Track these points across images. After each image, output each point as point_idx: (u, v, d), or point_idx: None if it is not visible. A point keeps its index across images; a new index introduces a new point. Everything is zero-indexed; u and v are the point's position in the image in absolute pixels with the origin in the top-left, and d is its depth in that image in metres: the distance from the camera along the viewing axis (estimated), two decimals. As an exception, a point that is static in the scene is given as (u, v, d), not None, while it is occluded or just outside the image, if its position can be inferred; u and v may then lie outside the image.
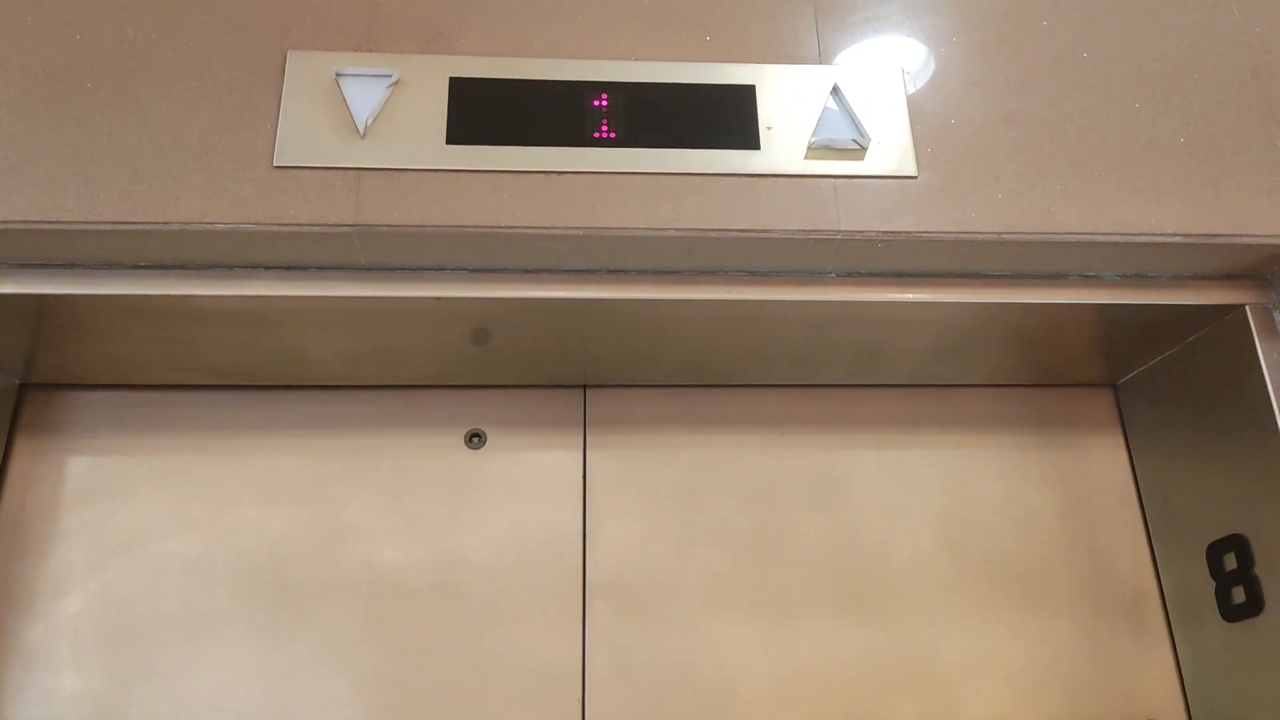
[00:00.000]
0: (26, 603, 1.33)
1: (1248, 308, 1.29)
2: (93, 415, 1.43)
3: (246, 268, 1.19)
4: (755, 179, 1.20)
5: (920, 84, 1.27)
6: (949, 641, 1.41)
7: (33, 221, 1.12)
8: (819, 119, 1.23)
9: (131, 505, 1.39)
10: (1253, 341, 1.27)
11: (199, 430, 1.43)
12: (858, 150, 1.22)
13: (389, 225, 1.14)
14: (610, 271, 1.23)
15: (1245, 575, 1.26)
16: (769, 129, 1.22)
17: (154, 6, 1.22)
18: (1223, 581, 1.31)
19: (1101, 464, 1.52)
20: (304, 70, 1.19)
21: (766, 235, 1.18)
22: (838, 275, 1.25)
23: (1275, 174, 1.26)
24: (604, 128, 1.19)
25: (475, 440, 1.45)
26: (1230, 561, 1.29)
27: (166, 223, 1.12)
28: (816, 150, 1.21)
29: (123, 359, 1.36)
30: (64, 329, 1.29)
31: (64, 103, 1.16)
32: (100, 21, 1.21)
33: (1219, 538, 1.31)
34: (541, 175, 1.17)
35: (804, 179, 1.20)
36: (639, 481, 1.45)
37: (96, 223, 1.12)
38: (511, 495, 1.43)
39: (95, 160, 1.14)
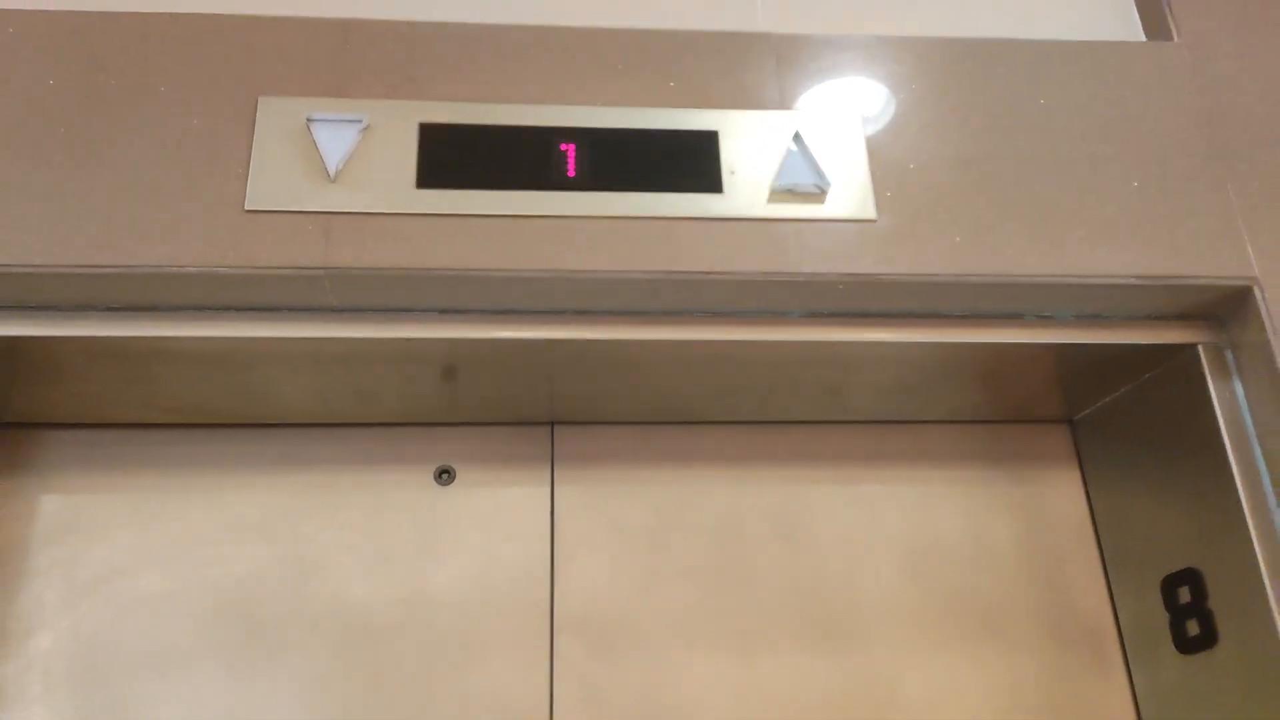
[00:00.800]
0: (-5, 640, 1.34)
1: (1200, 347, 1.32)
2: (64, 453, 1.44)
3: (217, 310, 1.21)
4: (718, 222, 1.22)
5: (879, 129, 1.30)
6: (912, 674, 1.43)
7: (4, 265, 1.13)
8: (780, 164, 1.26)
9: (103, 542, 1.39)
10: (1205, 380, 1.30)
11: (169, 468, 1.44)
12: (818, 194, 1.25)
13: (359, 268, 1.16)
14: (576, 312, 1.25)
15: (1199, 609, 1.29)
16: (732, 173, 1.24)
17: (126, 53, 1.24)
18: (1177, 615, 1.33)
19: (1059, 498, 1.54)
20: (275, 115, 1.21)
21: (730, 277, 1.20)
22: (800, 316, 1.28)
23: (1226, 217, 1.29)
24: (570, 172, 1.22)
25: (444, 477, 1.46)
26: (1184, 595, 1.32)
27: (137, 266, 1.14)
28: (778, 194, 1.24)
29: (94, 398, 1.37)
30: (36, 369, 1.30)
31: (35, 148, 1.18)
32: (72, 67, 1.23)
33: (1173, 571, 1.34)
34: (509, 219, 1.19)
35: (766, 222, 1.23)
36: (606, 517, 1.47)
37: (68, 266, 1.14)
38: (480, 531, 1.44)
39: (66, 204, 1.15)
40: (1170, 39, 1.41)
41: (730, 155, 1.26)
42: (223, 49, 1.25)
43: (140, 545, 1.40)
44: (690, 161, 1.25)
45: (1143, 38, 1.48)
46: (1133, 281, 1.26)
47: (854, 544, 1.49)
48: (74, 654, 1.34)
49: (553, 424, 1.51)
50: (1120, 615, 1.47)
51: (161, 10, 1.27)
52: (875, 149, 1.29)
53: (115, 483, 1.43)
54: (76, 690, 1.32)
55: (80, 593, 1.37)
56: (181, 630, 1.36)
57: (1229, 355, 1.31)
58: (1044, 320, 1.31)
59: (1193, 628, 1.30)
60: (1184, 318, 1.33)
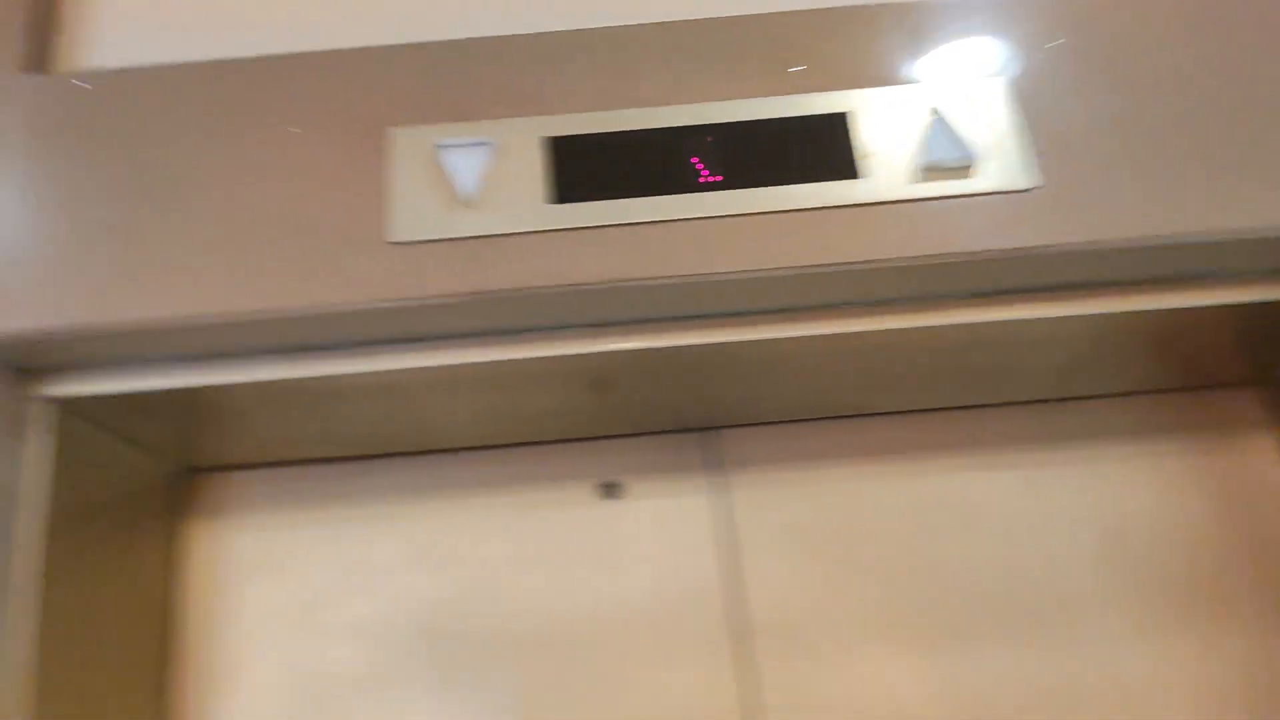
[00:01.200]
0: (214, 678, 1.40)
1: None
2: (253, 493, 1.50)
3: (378, 343, 1.24)
4: (859, 208, 1.18)
5: (1029, 91, 1.23)
6: (1128, 662, 1.36)
7: (178, 318, 1.19)
8: (921, 140, 1.20)
9: (299, 576, 1.44)
10: None
11: (351, 500, 1.48)
12: (963, 168, 1.19)
13: (502, 289, 1.16)
14: (725, 315, 1.23)
15: None
16: (868, 156, 1.20)
17: (259, 97, 1.27)
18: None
19: (1260, 466, 1.43)
20: (405, 146, 1.23)
21: (875, 265, 1.16)
22: (957, 297, 1.23)
23: None
24: (701, 173, 1.20)
25: (609, 490, 1.46)
26: None
27: (295, 309, 1.18)
28: (922, 173, 1.19)
29: (274, 438, 1.43)
30: (219, 415, 1.36)
31: (184, 202, 1.22)
32: (211, 115, 1.26)
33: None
34: (643, 226, 1.18)
35: (910, 203, 1.18)
36: (781, 519, 1.44)
37: (234, 314, 1.18)
38: (652, 541, 1.43)
39: (219, 254, 1.19)
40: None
41: (864, 137, 1.21)
42: (349, 85, 1.28)
43: (335, 576, 1.44)
44: (822, 147, 1.21)
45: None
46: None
47: (1042, 530, 1.42)
48: (288, 685, 1.39)
49: (716, 428, 1.49)
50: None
51: (281, 53, 1.30)
52: (1026, 113, 1.22)
53: (302, 518, 1.48)
54: (296, 719, 1.38)
55: (286, 626, 1.42)
56: (385, 655, 1.40)
57: None
58: (1226, 278, 1.22)
59: None
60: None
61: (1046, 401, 1.49)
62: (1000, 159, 1.20)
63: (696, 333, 1.24)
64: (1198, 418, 1.48)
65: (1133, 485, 1.44)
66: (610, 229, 1.18)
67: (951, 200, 1.18)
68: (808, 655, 1.37)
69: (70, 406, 1.26)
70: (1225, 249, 1.18)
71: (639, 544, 1.43)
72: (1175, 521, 1.42)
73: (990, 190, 1.18)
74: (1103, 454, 1.46)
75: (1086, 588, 1.39)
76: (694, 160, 1.20)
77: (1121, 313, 1.23)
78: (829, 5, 1.31)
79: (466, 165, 1.20)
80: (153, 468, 1.46)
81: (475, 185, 1.20)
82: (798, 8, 1.31)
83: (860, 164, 1.20)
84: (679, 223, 1.18)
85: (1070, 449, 1.47)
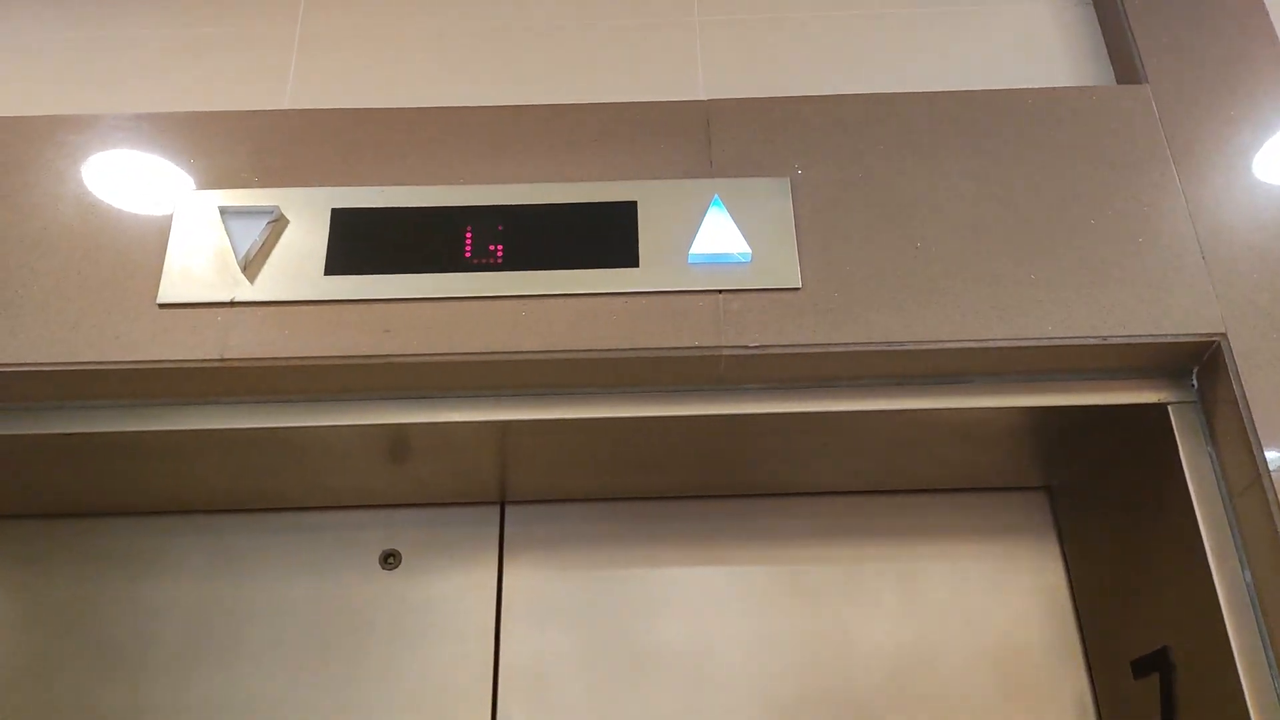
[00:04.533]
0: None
1: (1170, 407, 1.23)
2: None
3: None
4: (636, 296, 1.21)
5: (810, 192, 1.27)
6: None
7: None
8: (700, 232, 1.23)
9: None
10: (1174, 440, 1.21)
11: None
12: (740, 264, 1.22)
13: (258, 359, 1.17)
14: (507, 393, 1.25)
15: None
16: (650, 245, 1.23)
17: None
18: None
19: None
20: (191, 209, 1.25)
21: (644, 353, 1.18)
22: (721, 388, 1.24)
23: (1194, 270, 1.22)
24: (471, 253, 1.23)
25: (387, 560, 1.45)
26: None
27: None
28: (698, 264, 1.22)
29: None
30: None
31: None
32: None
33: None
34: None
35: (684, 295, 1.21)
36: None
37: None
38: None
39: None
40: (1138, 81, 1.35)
41: (647, 226, 1.24)
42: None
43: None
44: (606, 235, 1.23)
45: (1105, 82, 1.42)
46: (1094, 341, 1.19)
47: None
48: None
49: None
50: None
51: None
52: (804, 215, 1.25)
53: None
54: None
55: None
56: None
57: (1199, 414, 1.22)
58: (998, 384, 1.25)
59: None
60: (1151, 375, 1.25)
61: (847, 494, 1.49)
62: (775, 257, 1.22)
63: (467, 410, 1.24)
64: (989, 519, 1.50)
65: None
66: (371, 304, 1.19)
67: (728, 294, 1.21)
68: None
69: None
70: (995, 355, 1.20)
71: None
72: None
73: (763, 286, 1.21)
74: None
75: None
76: (469, 240, 1.22)
77: (875, 411, 1.25)
78: (616, 100, 1.34)
79: (246, 231, 1.21)
80: None
81: (252, 251, 1.20)
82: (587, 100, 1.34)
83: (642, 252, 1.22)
84: (447, 301, 1.20)
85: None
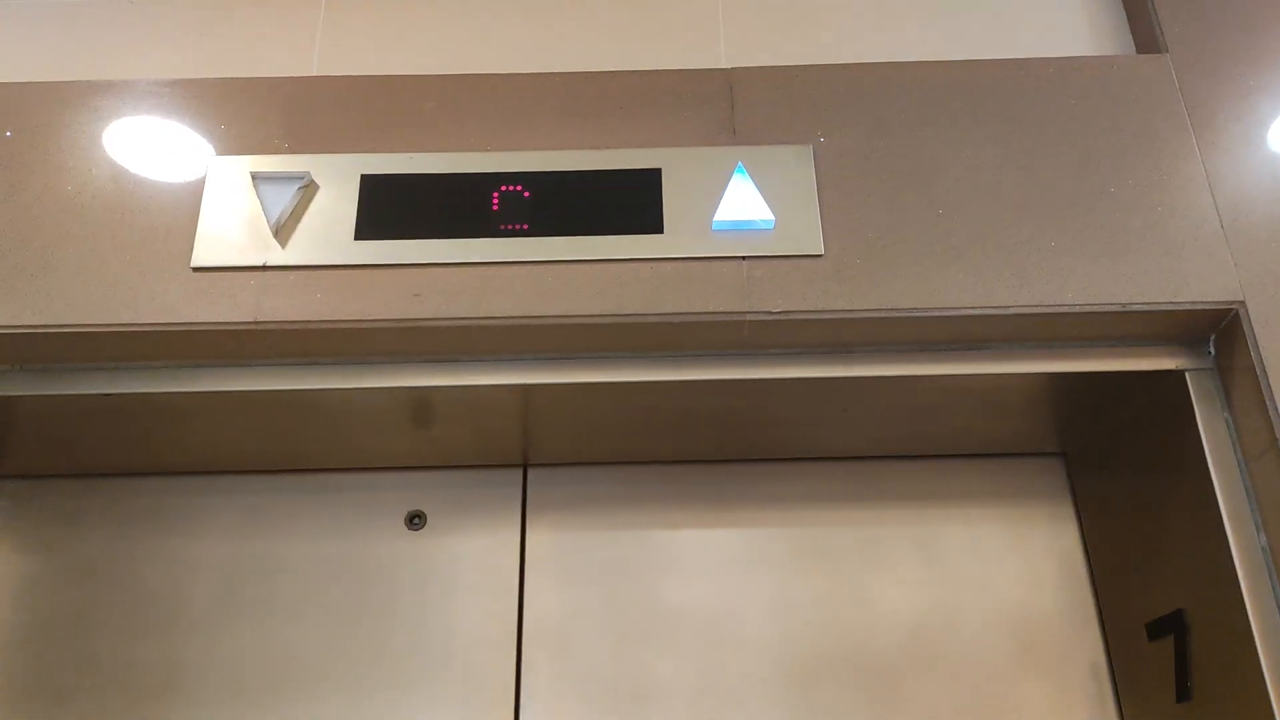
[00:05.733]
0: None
1: (1187, 374, 1.25)
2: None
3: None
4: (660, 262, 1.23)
5: (835, 160, 1.28)
6: None
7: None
8: (725, 199, 1.24)
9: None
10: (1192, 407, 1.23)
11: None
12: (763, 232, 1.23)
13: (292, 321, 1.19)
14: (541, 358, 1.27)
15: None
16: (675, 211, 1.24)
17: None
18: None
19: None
20: (222, 174, 1.27)
21: (671, 318, 1.20)
22: (744, 353, 1.26)
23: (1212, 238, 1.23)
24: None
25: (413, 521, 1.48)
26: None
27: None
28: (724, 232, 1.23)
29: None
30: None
31: None
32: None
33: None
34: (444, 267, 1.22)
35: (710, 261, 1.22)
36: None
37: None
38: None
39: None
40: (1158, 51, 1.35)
41: (672, 193, 1.25)
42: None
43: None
44: (631, 201, 1.25)
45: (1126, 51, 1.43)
46: (1113, 308, 1.20)
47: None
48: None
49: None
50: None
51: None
52: (826, 182, 1.26)
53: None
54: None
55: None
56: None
57: (1216, 381, 1.24)
58: (1017, 350, 1.26)
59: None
60: (1169, 342, 1.27)
61: (867, 459, 1.51)
62: (799, 223, 1.23)
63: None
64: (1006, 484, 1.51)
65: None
66: (412, 269, 1.21)
67: (753, 260, 1.22)
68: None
69: None
70: (1014, 322, 1.22)
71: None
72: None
73: (787, 253, 1.22)
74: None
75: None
76: (495, 206, 1.24)
77: (915, 376, 1.27)
78: (641, 68, 1.35)
79: (278, 197, 1.23)
80: None
81: (285, 217, 1.23)
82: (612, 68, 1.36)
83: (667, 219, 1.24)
84: (475, 266, 1.22)
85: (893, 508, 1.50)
